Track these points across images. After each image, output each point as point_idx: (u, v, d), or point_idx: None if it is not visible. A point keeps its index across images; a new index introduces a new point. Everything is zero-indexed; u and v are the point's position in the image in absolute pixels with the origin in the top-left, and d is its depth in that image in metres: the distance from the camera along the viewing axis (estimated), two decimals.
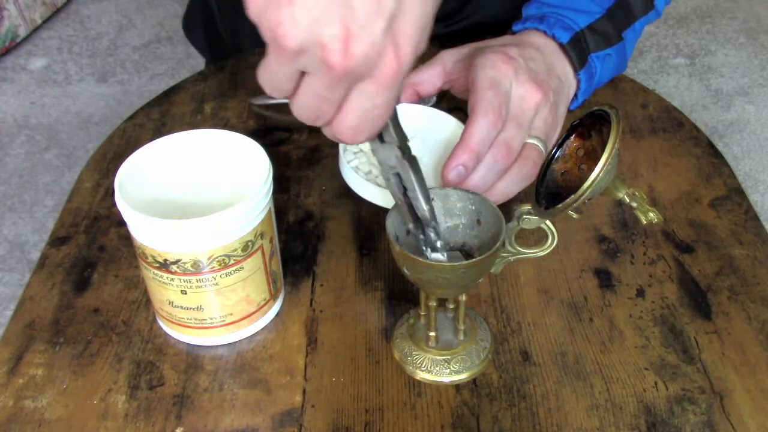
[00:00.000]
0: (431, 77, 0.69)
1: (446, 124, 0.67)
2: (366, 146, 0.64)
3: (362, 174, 0.62)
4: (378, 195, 0.60)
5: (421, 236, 0.50)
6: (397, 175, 0.48)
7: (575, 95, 0.69)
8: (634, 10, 0.71)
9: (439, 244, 0.50)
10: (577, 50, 0.67)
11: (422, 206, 0.49)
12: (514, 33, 0.70)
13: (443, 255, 0.51)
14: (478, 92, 0.59)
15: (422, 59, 0.60)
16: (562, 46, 0.67)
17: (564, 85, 0.66)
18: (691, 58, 2.20)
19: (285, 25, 0.36)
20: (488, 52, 0.63)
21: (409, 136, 0.58)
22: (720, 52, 2.22)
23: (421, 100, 0.70)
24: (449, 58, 0.69)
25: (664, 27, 2.32)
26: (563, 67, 0.67)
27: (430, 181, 0.62)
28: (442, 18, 0.91)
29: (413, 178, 0.47)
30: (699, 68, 2.17)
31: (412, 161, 0.47)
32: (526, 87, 0.61)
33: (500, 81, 0.60)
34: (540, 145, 0.61)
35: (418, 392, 0.54)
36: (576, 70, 0.67)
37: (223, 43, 0.99)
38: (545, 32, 0.67)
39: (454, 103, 0.73)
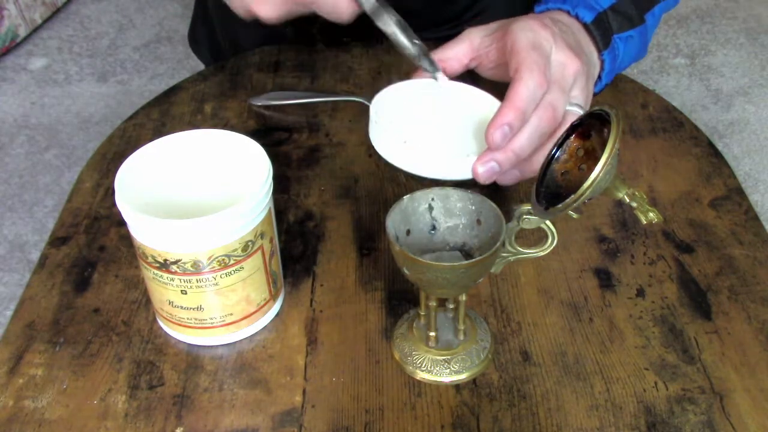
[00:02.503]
0: (458, 54, 0.67)
1: (484, 102, 0.65)
2: (393, 118, 0.62)
3: (394, 142, 0.60)
4: (411, 164, 0.59)
5: (423, 61, 0.63)
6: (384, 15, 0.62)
7: (599, 77, 0.68)
8: None
9: (438, 74, 0.64)
10: (601, 30, 0.66)
11: (406, 44, 0.62)
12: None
13: (440, 73, 0.64)
14: (521, 53, 0.58)
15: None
16: (585, 26, 0.66)
17: (590, 63, 0.66)
18: (691, 58, 2.20)
19: None
20: (524, 18, 0.62)
21: (445, 113, 0.66)
22: (720, 52, 2.22)
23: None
24: (476, 33, 0.67)
25: (665, 27, 2.32)
26: (588, 46, 0.66)
27: (472, 159, 0.59)
28: (446, 20, 0.91)
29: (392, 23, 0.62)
30: (699, 68, 2.17)
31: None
32: (565, 54, 0.60)
33: (541, 44, 0.59)
34: (581, 112, 0.60)
35: (418, 392, 0.54)
36: (600, 51, 0.66)
37: (224, 55, 0.99)
38: (568, 12, 0.66)
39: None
